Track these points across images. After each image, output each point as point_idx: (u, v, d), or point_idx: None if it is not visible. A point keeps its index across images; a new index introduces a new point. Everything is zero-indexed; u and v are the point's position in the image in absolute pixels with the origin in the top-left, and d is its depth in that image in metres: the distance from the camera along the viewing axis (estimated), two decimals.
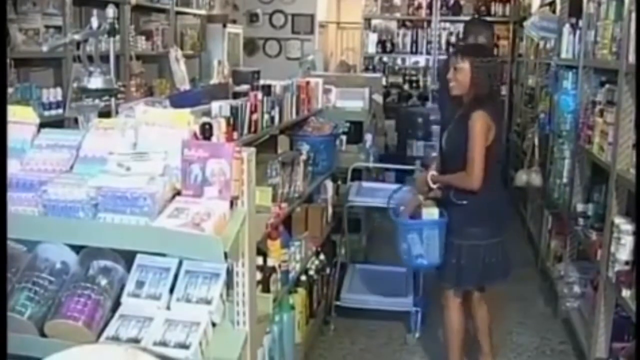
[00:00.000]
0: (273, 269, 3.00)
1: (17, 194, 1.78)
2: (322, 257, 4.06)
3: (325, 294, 4.10)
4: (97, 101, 2.76)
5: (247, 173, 1.83)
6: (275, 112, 3.47)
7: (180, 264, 1.86)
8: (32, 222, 1.79)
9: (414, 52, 8.34)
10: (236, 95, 3.35)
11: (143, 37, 5.67)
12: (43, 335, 1.78)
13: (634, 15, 2.94)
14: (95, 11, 3.02)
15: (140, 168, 1.80)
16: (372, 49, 8.31)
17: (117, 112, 2.60)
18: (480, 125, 3.08)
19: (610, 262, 3.16)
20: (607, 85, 3.63)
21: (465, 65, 3.16)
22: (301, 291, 3.61)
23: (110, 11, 3.00)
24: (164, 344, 1.72)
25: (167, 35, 6.06)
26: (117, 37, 4.40)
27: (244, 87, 3.64)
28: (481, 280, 3.33)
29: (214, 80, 5.76)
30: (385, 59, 8.39)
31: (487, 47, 4.37)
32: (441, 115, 5.76)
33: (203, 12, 7.04)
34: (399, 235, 3.37)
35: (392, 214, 3.57)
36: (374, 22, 8.53)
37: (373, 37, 8.31)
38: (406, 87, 8.15)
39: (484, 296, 3.46)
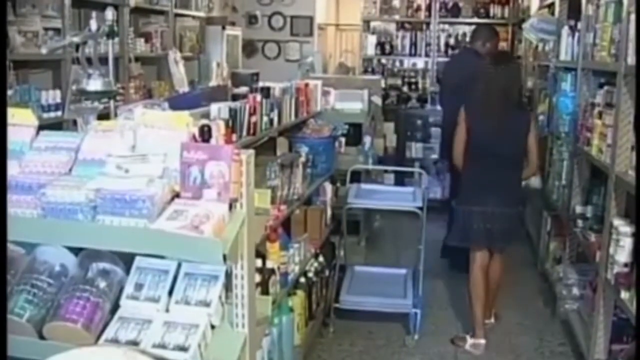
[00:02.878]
0: (272, 271, 3.00)
1: (16, 196, 1.77)
2: (321, 259, 4.06)
3: (324, 296, 4.10)
4: (96, 103, 2.75)
5: (246, 175, 1.83)
6: (274, 114, 3.47)
7: (179, 266, 1.86)
8: (30, 225, 1.78)
9: (413, 54, 8.32)
10: (235, 98, 3.36)
11: (142, 39, 5.67)
12: (42, 337, 1.77)
13: (632, 17, 2.95)
14: (94, 13, 3.02)
15: (139, 170, 1.79)
16: (371, 51, 8.29)
17: (116, 115, 2.59)
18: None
19: (609, 264, 3.16)
20: (605, 87, 3.63)
21: None
22: (300, 293, 3.61)
23: (109, 13, 2.99)
24: (162, 346, 1.71)
25: (166, 38, 6.06)
26: (116, 39, 4.39)
27: (243, 89, 3.66)
28: (462, 240, 3.91)
29: (213, 82, 5.77)
30: (384, 61, 8.37)
31: (475, 51, 5.11)
32: (443, 115, 5.78)
33: (202, 14, 7.04)
34: None
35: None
36: (372, 24, 8.52)
37: (372, 39, 8.29)
38: (405, 89, 8.11)
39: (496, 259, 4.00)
